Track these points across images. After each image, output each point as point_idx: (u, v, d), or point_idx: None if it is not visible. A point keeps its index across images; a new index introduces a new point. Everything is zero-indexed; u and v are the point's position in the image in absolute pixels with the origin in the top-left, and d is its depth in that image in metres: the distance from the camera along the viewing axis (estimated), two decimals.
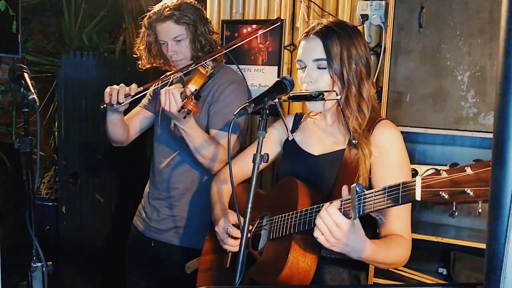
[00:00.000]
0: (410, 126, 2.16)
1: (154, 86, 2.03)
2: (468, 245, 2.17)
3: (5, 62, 3.46)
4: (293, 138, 1.63)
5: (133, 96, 1.93)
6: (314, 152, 1.56)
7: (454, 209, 1.00)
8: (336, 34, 1.44)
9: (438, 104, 2.11)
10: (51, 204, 3.20)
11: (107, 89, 1.91)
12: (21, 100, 1.50)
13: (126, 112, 2.12)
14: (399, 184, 1.10)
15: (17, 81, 1.55)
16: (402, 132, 2.14)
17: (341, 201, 1.22)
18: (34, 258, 1.34)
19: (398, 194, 1.09)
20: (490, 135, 0.69)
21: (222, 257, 1.62)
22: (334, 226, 1.18)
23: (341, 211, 1.20)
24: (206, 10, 2.74)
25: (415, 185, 1.05)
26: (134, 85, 1.93)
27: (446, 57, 2.08)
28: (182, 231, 2.09)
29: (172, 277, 2.09)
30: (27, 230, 1.35)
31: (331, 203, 1.23)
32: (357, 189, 1.17)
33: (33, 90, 1.47)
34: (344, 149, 1.47)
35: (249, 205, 1.24)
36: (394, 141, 1.45)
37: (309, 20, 2.51)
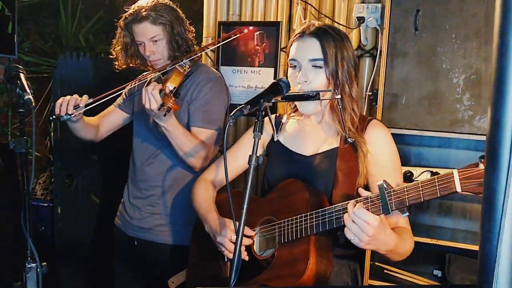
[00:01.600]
0: (406, 129, 2.17)
1: (129, 86, 2.04)
2: (463, 247, 2.17)
3: (1, 62, 3.44)
4: (278, 139, 1.64)
5: (86, 106, 1.92)
6: (305, 152, 1.56)
7: None
8: (331, 35, 1.48)
9: (434, 107, 2.12)
10: (46, 204, 3.19)
11: (59, 100, 1.91)
12: (17, 100, 1.49)
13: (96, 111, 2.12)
14: (434, 179, 1.17)
15: (13, 81, 1.54)
16: (398, 134, 2.16)
17: (368, 198, 1.26)
18: (29, 258, 1.33)
19: (436, 187, 1.16)
20: (485, 138, 0.69)
21: (217, 268, 1.60)
22: (365, 225, 1.22)
23: (369, 210, 1.24)
24: (203, 11, 2.75)
25: (452, 177, 1.14)
26: (85, 97, 1.93)
27: (442, 60, 2.09)
28: (165, 228, 2.09)
29: (158, 275, 2.09)
30: (22, 231, 1.34)
31: (356, 201, 1.28)
32: (385, 185, 1.23)
33: (28, 91, 1.47)
34: (337, 147, 1.49)
35: (245, 206, 1.24)
36: (386, 140, 1.50)
37: (305, 22, 2.52)
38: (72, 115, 1.89)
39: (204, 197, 1.73)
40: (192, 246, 1.81)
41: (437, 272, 2.33)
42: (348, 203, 1.29)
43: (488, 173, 0.67)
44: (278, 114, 1.74)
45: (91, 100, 1.94)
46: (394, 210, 1.23)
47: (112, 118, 2.26)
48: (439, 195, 1.16)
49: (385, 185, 1.23)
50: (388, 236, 1.28)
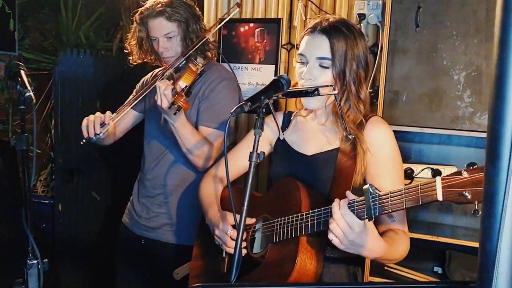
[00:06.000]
0: (406, 126, 2.16)
1: (140, 97, 2.02)
2: (463, 244, 2.17)
3: (2, 59, 3.44)
4: (284, 138, 1.62)
5: (115, 119, 1.93)
6: (307, 152, 1.54)
7: (476, 207, 1.03)
8: (343, 34, 1.43)
9: (434, 104, 2.11)
10: (47, 201, 3.20)
11: (84, 122, 1.90)
12: (18, 97, 1.49)
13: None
14: (417, 185, 1.12)
15: (14, 78, 1.54)
16: (399, 131, 2.16)
17: (354, 202, 1.21)
18: (30, 255, 1.34)
19: (418, 194, 1.11)
20: (486, 134, 0.69)
21: (216, 263, 1.59)
22: (347, 228, 1.18)
23: (353, 213, 1.20)
24: (203, 8, 2.74)
25: (435, 185, 1.08)
26: (108, 113, 1.93)
27: (443, 57, 2.09)
28: (173, 228, 2.09)
29: (164, 274, 2.09)
30: (23, 228, 1.35)
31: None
32: (370, 190, 1.17)
33: (29, 87, 1.47)
34: (338, 148, 1.46)
35: (245, 203, 1.24)
36: (385, 137, 1.45)
37: (306, 19, 2.52)
38: (101, 134, 1.89)
39: (209, 191, 1.73)
40: (197, 239, 1.81)
41: (438, 269, 2.33)
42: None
43: (488, 169, 0.67)
44: (287, 112, 1.71)
45: (114, 115, 1.94)
46: (377, 215, 1.18)
47: (126, 119, 2.24)
48: (420, 203, 1.10)
49: (371, 190, 1.17)
50: (374, 243, 1.24)
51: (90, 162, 3.12)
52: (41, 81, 3.54)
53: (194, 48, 1.97)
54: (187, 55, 1.95)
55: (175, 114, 1.77)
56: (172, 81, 1.83)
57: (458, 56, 2.06)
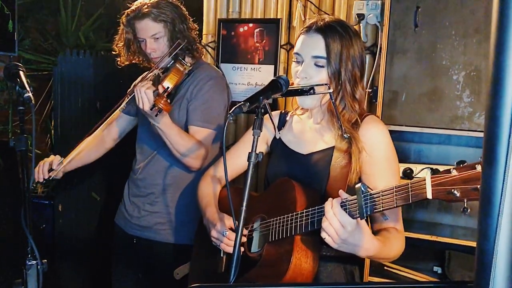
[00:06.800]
0: (406, 126, 2.16)
1: (123, 103, 2.03)
2: (463, 243, 2.17)
3: (2, 60, 3.45)
4: (280, 137, 1.63)
5: (65, 161, 2.04)
6: (302, 151, 1.55)
7: (465, 205, 1.03)
8: (338, 33, 1.44)
9: (434, 104, 2.11)
10: (47, 202, 3.19)
11: (36, 168, 2.01)
12: (17, 98, 1.50)
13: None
14: (407, 184, 1.13)
15: (13, 79, 1.55)
16: (398, 131, 2.16)
17: (346, 201, 1.22)
18: (29, 255, 1.34)
19: (408, 193, 1.12)
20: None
21: (214, 263, 1.60)
22: (340, 227, 1.19)
23: (346, 211, 1.21)
24: (203, 9, 2.74)
25: (425, 184, 1.09)
26: (57, 158, 2.04)
27: (442, 57, 2.09)
28: (164, 227, 2.09)
29: (158, 273, 2.09)
30: (22, 228, 1.35)
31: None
32: (362, 189, 1.18)
33: (28, 88, 1.47)
34: (334, 147, 1.47)
35: (244, 203, 1.24)
36: (380, 136, 1.45)
37: (305, 19, 2.52)
38: (50, 178, 2.01)
39: (207, 191, 1.74)
40: (196, 239, 1.82)
41: (437, 269, 2.33)
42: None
43: (486, 170, 0.67)
44: (283, 111, 1.73)
45: (62, 159, 2.05)
46: (369, 214, 1.19)
47: (118, 125, 2.27)
48: (410, 201, 1.11)
49: (362, 188, 1.18)
50: (367, 242, 1.25)
51: (90, 163, 3.11)
52: (40, 82, 3.55)
53: (173, 53, 1.97)
54: (171, 56, 1.96)
55: (156, 115, 1.77)
56: (156, 82, 1.83)
57: (457, 56, 2.07)
